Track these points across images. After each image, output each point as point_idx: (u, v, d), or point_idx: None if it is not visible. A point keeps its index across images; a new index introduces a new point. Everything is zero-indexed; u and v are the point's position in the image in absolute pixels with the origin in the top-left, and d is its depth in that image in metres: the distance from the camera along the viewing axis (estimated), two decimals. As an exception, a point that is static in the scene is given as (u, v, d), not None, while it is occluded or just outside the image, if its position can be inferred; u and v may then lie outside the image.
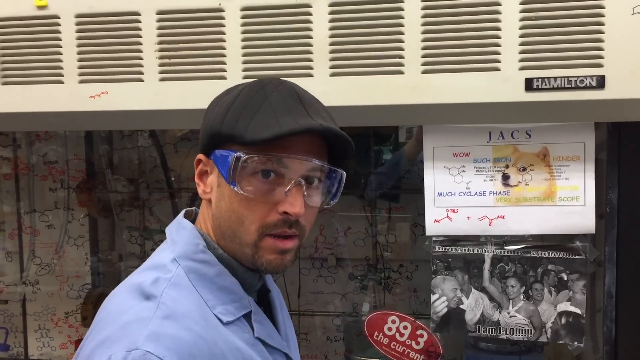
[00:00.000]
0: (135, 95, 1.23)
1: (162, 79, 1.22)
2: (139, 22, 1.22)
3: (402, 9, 1.13)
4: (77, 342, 1.87)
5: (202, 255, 0.84)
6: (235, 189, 0.81)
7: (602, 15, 1.07)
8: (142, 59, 1.22)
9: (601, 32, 1.07)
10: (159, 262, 0.85)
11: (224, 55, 1.20)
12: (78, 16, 1.24)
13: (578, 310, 1.23)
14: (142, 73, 1.23)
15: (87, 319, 1.77)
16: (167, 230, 0.90)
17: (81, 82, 1.25)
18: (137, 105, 1.23)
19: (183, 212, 0.92)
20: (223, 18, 1.19)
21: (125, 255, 1.88)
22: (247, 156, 0.80)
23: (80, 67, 1.25)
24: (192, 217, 0.92)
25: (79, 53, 1.25)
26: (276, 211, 0.82)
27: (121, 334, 0.75)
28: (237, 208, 0.83)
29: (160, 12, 1.21)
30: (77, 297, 1.90)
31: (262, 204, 0.82)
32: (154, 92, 1.22)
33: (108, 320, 0.78)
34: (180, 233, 0.87)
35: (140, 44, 1.22)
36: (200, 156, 0.87)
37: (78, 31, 1.24)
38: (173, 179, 1.83)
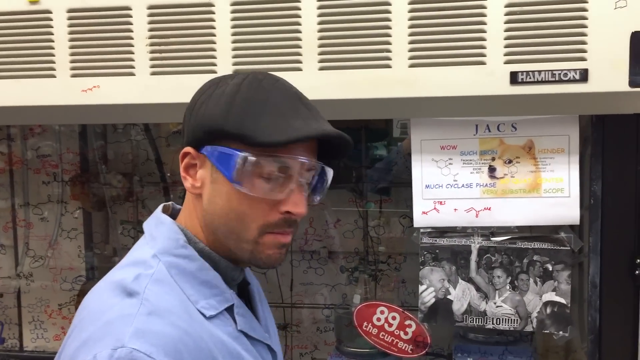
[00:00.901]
0: (126, 89, 1.25)
1: (153, 73, 1.24)
2: (130, 16, 1.23)
3: (389, 4, 1.14)
4: (71, 335, 1.89)
5: (182, 250, 0.84)
6: (240, 188, 0.81)
7: (585, 10, 1.09)
8: (133, 53, 1.24)
9: (584, 27, 1.09)
10: (139, 258, 0.84)
11: (214, 50, 1.21)
12: (70, 11, 1.25)
13: (563, 300, 1.26)
14: (133, 67, 1.24)
15: (80, 312, 1.79)
16: (145, 225, 0.89)
17: (73, 76, 1.26)
18: (129, 98, 1.25)
19: (161, 206, 0.91)
20: (213, 12, 1.20)
21: (119, 249, 1.89)
22: (255, 158, 0.80)
23: (72, 61, 1.26)
24: (169, 212, 0.91)
25: (71, 47, 1.26)
26: (277, 210, 0.83)
27: (105, 332, 0.74)
28: (237, 206, 0.83)
29: (151, 7, 1.22)
30: (70, 289, 1.92)
31: (264, 202, 0.82)
32: (145, 85, 1.24)
33: (90, 319, 0.77)
34: (159, 228, 0.86)
35: (132, 38, 1.24)
36: (189, 149, 0.84)
37: (70, 25, 1.26)
38: (169, 174, 1.84)
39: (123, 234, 1.89)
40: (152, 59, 1.23)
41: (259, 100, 0.82)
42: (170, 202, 0.93)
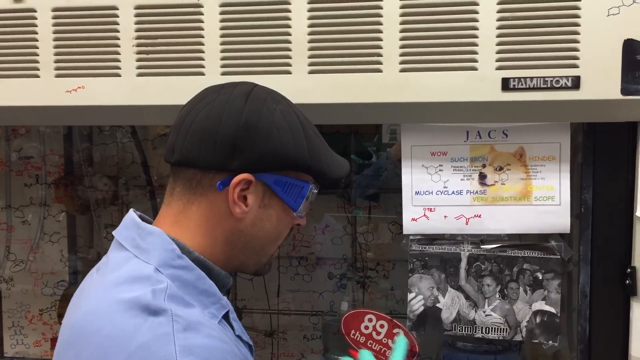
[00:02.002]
0: (112, 90, 1.22)
1: (139, 74, 1.21)
2: (117, 16, 1.21)
3: (380, 7, 1.13)
4: (52, 340, 1.85)
5: (179, 261, 0.82)
6: (299, 215, 0.92)
7: (577, 17, 1.08)
8: (119, 53, 1.21)
9: (577, 33, 1.08)
10: (140, 273, 0.80)
11: (202, 51, 1.19)
12: (55, 10, 1.22)
13: (553, 310, 1.24)
14: (119, 68, 1.22)
15: (62, 317, 1.75)
16: (124, 234, 0.86)
17: (57, 76, 1.24)
18: (114, 100, 1.22)
19: (134, 215, 0.89)
20: (202, 14, 1.18)
21: (103, 253, 1.86)
22: (317, 189, 0.93)
23: (57, 61, 1.23)
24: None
25: (56, 47, 1.23)
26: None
27: (144, 357, 0.71)
28: (282, 229, 0.92)
29: (138, 7, 1.20)
30: (52, 294, 1.88)
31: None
32: (131, 87, 1.21)
33: (114, 346, 0.73)
34: (148, 239, 0.83)
35: (118, 39, 1.21)
36: (249, 176, 0.84)
37: (55, 25, 1.23)
38: (156, 177, 1.82)
39: (107, 238, 1.86)
40: (138, 60, 1.21)
41: (313, 132, 0.91)
42: (138, 213, 0.91)
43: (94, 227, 1.87)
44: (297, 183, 0.89)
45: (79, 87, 1.23)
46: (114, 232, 0.89)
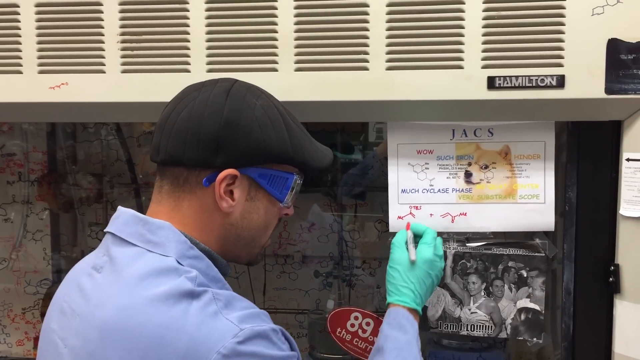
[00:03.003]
0: (96, 86, 1.21)
1: (124, 71, 1.20)
2: (101, 12, 1.19)
3: (367, 5, 1.13)
4: (35, 340, 1.83)
5: (192, 251, 0.87)
6: (286, 205, 0.96)
7: (562, 16, 1.09)
8: (103, 50, 1.20)
9: (561, 32, 1.09)
10: (164, 266, 0.83)
11: (187, 48, 1.18)
12: (38, 5, 1.21)
13: (537, 307, 1.25)
14: (103, 64, 1.20)
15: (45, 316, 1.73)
16: (128, 231, 0.88)
17: (41, 72, 1.22)
18: (98, 97, 1.21)
19: (133, 211, 0.90)
20: (187, 10, 1.17)
21: (87, 251, 1.84)
22: (301, 180, 0.96)
23: (40, 57, 1.22)
24: None
25: (39, 43, 1.22)
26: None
27: (205, 336, 0.76)
28: (271, 220, 0.96)
29: (122, 3, 1.19)
30: (35, 292, 1.86)
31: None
32: (115, 83, 1.20)
33: (171, 331, 0.77)
34: (159, 234, 0.86)
35: (102, 35, 1.20)
36: (234, 172, 0.88)
37: (38, 20, 1.21)
38: (141, 176, 1.80)
39: (91, 236, 1.84)
40: (123, 57, 1.20)
41: (295, 124, 0.95)
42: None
43: (78, 225, 1.85)
44: (282, 175, 0.93)
45: (62, 84, 1.22)
46: (111, 230, 0.90)
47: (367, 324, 1.36)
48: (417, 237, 1.18)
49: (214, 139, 0.87)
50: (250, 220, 0.93)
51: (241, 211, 0.91)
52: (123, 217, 0.91)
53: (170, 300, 0.79)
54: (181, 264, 0.84)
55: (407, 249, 1.14)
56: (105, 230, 0.93)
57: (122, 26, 1.19)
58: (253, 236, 0.95)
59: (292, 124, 0.94)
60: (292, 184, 0.95)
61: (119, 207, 0.93)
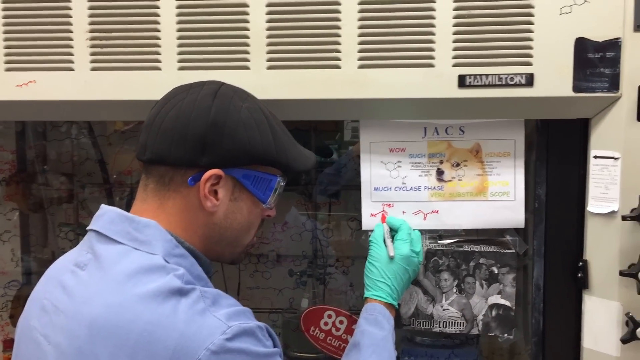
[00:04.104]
0: (64, 84, 1.19)
1: (93, 69, 1.18)
2: (69, 8, 1.18)
3: (339, 3, 1.13)
4: (4, 342, 1.79)
5: (177, 249, 0.89)
6: (269, 206, 0.98)
7: (531, 15, 1.10)
8: (72, 47, 1.18)
9: (530, 32, 1.10)
10: (151, 264, 0.84)
11: (158, 45, 1.17)
12: (5, 1, 1.19)
13: (508, 303, 1.27)
14: (72, 62, 1.18)
15: (14, 318, 1.71)
16: (114, 229, 0.89)
17: (7, 70, 1.20)
18: (67, 95, 1.19)
19: (119, 209, 0.91)
20: (158, 7, 1.16)
21: (58, 252, 1.81)
22: (284, 182, 0.98)
23: (7, 55, 1.20)
24: None
25: (5, 40, 1.19)
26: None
27: (194, 332, 0.78)
28: (253, 220, 0.98)
29: (91, -1, 1.17)
30: (3, 294, 1.82)
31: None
32: (84, 81, 1.18)
33: (160, 328, 0.78)
34: (146, 232, 0.88)
35: (71, 32, 1.18)
36: (219, 172, 0.90)
37: (5, 17, 1.19)
38: (115, 176, 1.78)
39: (61, 236, 1.81)
40: (92, 54, 1.18)
41: (280, 127, 0.97)
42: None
43: (48, 226, 1.82)
44: (265, 176, 0.96)
45: (30, 82, 1.20)
46: (95, 227, 0.91)
47: (341, 322, 1.36)
48: (393, 231, 1.20)
49: (200, 139, 0.89)
50: (233, 220, 0.95)
51: (225, 211, 0.93)
52: (109, 215, 0.91)
53: (159, 297, 0.80)
54: (167, 262, 0.86)
55: (385, 244, 1.16)
56: (88, 228, 0.93)
57: (91, 23, 1.18)
58: (236, 236, 0.97)
59: (277, 127, 0.97)
60: (275, 186, 0.97)
61: (103, 205, 0.94)
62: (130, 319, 0.80)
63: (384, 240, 1.17)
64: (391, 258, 1.14)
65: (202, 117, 0.90)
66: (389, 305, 1.13)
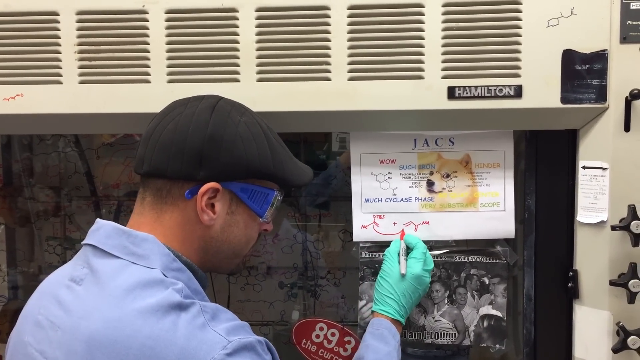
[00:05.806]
0: (52, 98, 1.18)
1: (82, 82, 1.18)
2: (58, 22, 1.17)
3: (329, 16, 1.13)
4: (-9, 359, 1.77)
5: (175, 263, 0.89)
6: (266, 220, 0.99)
7: (519, 27, 1.11)
8: (60, 60, 1.18)
9: (518, 44, 1.11)
10: (150, 278, 0.84)
11: (147, 59, 1.16)
12: (-9, 14, 1.18)
13: (499, 313, 1.27)
14: (60, 75, 1.18)
15: (1, 333, 1.68)
16: (111, 243, 0.88)
17: (-6, 83, 1.19)
18: (55, 108, 1.18)
19: (115, 224, 0.91)
20: (147, 20, 1.16)
21: (45, 267, 1.79)
22: (282, 195, 0.99)
23: (-6, 68, 1.19)
24: None
25: (-8, 53, 1.19)
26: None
27: (195, 347, 0.77)
28: (251, 233, 0.98)
29: (80, 13, 1.16)
30: (-12, 310, 1.80)
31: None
32: (73, 94, 1.18)
33: (160, 343, 0.77)
34: (143, 246, 0.88)
35: (59, 45, 1.17)
36: (217, 185, 0.90)
37: (-9, 30, 1.18)
38: (101, 188, 1.76)
39: (48, 250, 1.79)
40: (81, 67, 1.17)
41: (277, 142, 0.98)
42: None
43: (35, 240, 1.80)
44: (263, 190, 0.96)
45: (17, 95, 1.19)
46: (91, 242, 0.90)
47: (332, 334, 1.36)
48: (408, 249, 1.21)
49: (197, 153, 0.89)
50: (230, 233, 0.95)
51: (222, 224, 0.94)
52: (104, 230, 0.91)
53: (159, 312, 0.80)
54: (166, 276, 0.85)
55: (399, 261, 1.17)
56: (83, 242, 0.93)
57: (80, 36, 1.17)
58: (233, 249, 0.97)
59: (275, 141, 0.98)
60: (272, 200, 0.97)
61: (98, 220, 0.94)
62: (129, 334, 0.79)
63: (399, 256, 1.18)
64: (403, 276, 1.15)
65: (200, 131, 0.90)
66: (395, 322, 1.14)
